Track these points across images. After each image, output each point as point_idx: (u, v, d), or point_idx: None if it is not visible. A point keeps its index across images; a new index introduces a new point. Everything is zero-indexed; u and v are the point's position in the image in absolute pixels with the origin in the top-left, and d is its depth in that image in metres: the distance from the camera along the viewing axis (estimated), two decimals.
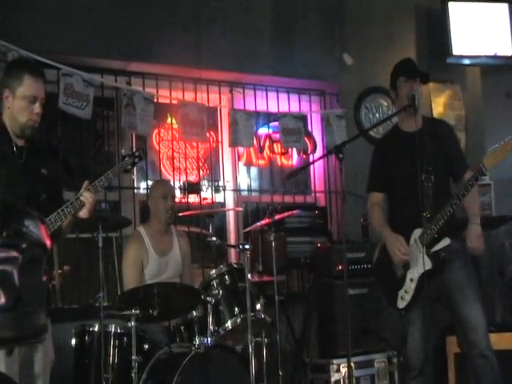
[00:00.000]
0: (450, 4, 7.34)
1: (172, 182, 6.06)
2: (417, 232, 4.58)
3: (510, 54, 7.53)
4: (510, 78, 7.46)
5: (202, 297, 4.68)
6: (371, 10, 7.21)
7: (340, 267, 5.73)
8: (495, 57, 7.54)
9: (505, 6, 7.54)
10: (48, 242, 2.26)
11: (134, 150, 4.20)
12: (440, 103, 7.48)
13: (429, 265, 4.54)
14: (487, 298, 7.00)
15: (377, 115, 7.18)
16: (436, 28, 7.41)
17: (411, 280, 4.59)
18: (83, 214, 3.84)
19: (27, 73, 3.81)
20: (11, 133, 3.81)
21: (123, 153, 4.21)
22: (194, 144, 6.48)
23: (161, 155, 6.36)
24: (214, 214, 5.65)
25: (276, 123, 6.72)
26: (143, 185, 6.14)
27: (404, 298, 4.60)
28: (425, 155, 4.63)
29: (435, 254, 4.57)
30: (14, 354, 3.35)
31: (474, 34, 7.43)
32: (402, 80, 4.76)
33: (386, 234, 4.66)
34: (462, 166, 4.81)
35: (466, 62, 7.53)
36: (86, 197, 3.83)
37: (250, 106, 6.69)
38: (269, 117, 6.84)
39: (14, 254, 2.15)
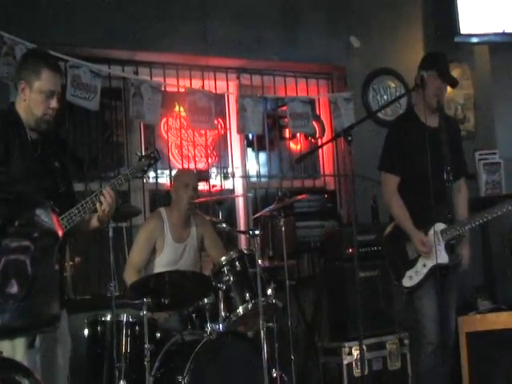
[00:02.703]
0: None
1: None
2: (439, 225, 4.69)
3: None
4: None
5: (213, 284, 4.71)
6: None
7: (350, 250, 5.77)
8: (504, 34, 7.47)
9: None
10: (60, 232, 2.31)
11: (150, 151, 4.12)
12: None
13: (445, 259, 4.69)
14: (499, 275, 7.06)
15: (385, 97, 7.15)
16: (443, 7, 7.36)
17: (424, 265, 4.68)
18: (101, 214, 3.77)
19: (45, 66, 3.74)
20: (26, 125, 3.74)
21: (139, 154, 4.12)
22: (202, 132, 6.48)
23: (169, 144, 6.37)
24: (223, 201, 5.69)
25: (284, 107, 6.72)
26: (152, 174, 6.14)
27: (412, 279, 4.70)
28: (444, 153, 4.72)
29: (454, 255, 4.72)
30: (36, 346, 3.33)
31: (481, 11, 7.37)
32: (434, 74, 4.74)
33: (410, 230, 4.72)
34: (463, 169, 5.03)
35: (474, 40, 7.47)
36: (108, 191, 3.75)
37: (258, 92, 6.69)
38: (276, 102, 6.86)
39: (27, 243, 2.21)
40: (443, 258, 4.67)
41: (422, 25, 7.42)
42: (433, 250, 4.63)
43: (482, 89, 7.62)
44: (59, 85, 3.81)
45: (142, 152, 4.13)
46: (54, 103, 3.75)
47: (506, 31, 7.49)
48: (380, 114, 6.73)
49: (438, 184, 4.60)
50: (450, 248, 4.72)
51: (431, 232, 4.67)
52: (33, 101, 3.72)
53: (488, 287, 6.84)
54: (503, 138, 7.52)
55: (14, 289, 2.19)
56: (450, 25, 7.30)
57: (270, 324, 4.86)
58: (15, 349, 3.20)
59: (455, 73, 7.47)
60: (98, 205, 3.70)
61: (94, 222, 3.85)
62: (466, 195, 5.01)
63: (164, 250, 5.27)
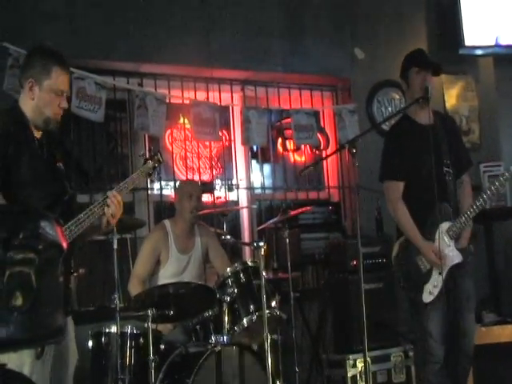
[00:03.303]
0: None
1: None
2: (444, 226, 4.65)
3: None
4: None
5: (218, 295, 4.69)
6: (382, 4, 7.20)
7: (355, 262, 5.72)
8: (508, 46, 7.48)
9: None
10: (64, 244, 2.30)
11: (153, 153, 4.08)
12: (453, 95, 7.46)
13: (459, 258, 4.66)
14: (504, 288, 7.05)
15: (389, 109, 7.16)
16: (447, 19, 7.37)
17: (439, 273, 4.63)
18: (109, 218, 3.73)
19: (56, 64, 3.63)
20: (31, 124, 3.63)
21: (142, 156, 4.09)
22: (207, 143, 6.50)
23: (174, 155, 6.39)
24: (227, 213, 5.68)
25: (289, 119, 6.72)
26: (157, 186, 6.17)
27: (432, 293, 4.62)
28: (443, 149, 4.73)
29: (463, 248, 4.69)
30: (46, 356, 3.32)
31: (485, 23, 7.39)
32: (414, 71, 4.79)
33: (420, 243, 4.66)
34: (467, 161, 4.98)
35: (479, 52, 7.49)
36: (115, 195, 3.71)
37: (262, 104, 6.71)
38: (281, 113, 6.87)
39: (31, 255, 2.20)
40: (455, 257, 4.66)
41: (427, 37, 7.43)
42: (443, 255, 4.59)
43: (487, 101, 7.62)
44: (69, 84, 3.73)
45: (146, 155, 4.09)
46: (64, 103, 3.67)
47: (510, 44, 7.49)
48: (384, 126, 6.70)
49: (439, 182, 4.59)
50: (456, 244, 4.69)
51: (437, 235, 4.62)
52: (42, 100, 3.61)
53: (493, 300, 6.82)
54: (508, 151, 7.52)
55: (18, 301, 2.19)
56: (455, 37, 7.33)
57: (275, 336, 4.86)
58: (23, 360, 3.18)
59: (459, 85, 7.51)
60: (106, 208, 3.66)
61: (102, 227, 3.80)
62: (470, 189, 4.95)
63: (168, 261, 5.27)
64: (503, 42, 7.49)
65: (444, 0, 7.44)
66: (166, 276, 5.23)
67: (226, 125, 6.59)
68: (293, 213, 5.41)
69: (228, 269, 4.93)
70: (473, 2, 7.40)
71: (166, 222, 5.38)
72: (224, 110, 6.52)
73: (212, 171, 6.55)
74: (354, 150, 4.22)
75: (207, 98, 6.41)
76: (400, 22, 7.29)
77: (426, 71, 4.79)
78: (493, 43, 7.47)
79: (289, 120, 6.72)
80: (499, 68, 7.65)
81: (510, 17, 7.54)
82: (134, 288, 5.07)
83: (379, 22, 7.18)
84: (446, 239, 4.67)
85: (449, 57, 7.13)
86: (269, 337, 4.43)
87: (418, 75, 4.78)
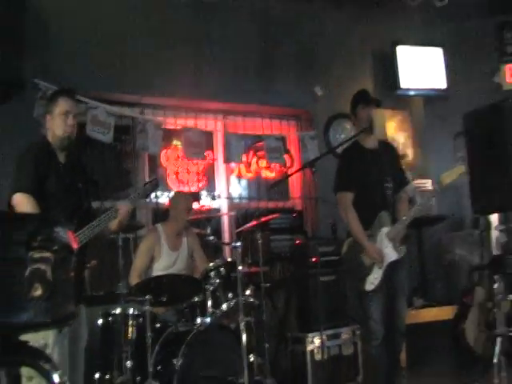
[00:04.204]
0: (398, 48, 7.39)
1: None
2: (384, 230, 4.64)
3: (444, 87, 7.60)
4: (445, 105, 7.50)
5: (203, 285, 4.68)
6: (338, 52, 7.18)
7: (314, 259, 5.66)
8: (434, 89, 7.59)
9: (440, 50, 7.64)
10: (75, 245, 2.27)
11: (152, 179, 4.19)
12: (392, 126, 7.48)
13: (395, 256, 4.64)
14: (430, 279, 7.05)
15: (342, 136, 7.13)
16: (388, 66, 7.41)
17: (379, 268, 4.61)
18: (117, 222, 3.84)
19: (60, 94, 3.79)
20: (56, 150, 3.73)
21: (143, 182, 4.22)
22: (195, 161, 6.44)
23: (168, 170, 6.33)
24: (211, 218, 5.64)
25: (261, 143, 6.69)
26: (153, 195, 6.06)
27: (373, 283, 4.60)
28: (385, 169, 4.71)
29: (398, 248, 4.67)
30: (64, 332, 3.44)
31: (417, 71, 7.48)
32: (360, 107, 4.81)
33: (365, 244, 4.62)
34: (404, 180, 4.97)
35: (412, 93, 7.56)
36: (121, 206, 3.84)
37: (240, 130, 6.66)
38: (255, 138, 6.80)
39: (47, 254, 2.15)
40: (393, 255, 4.63)
41: (372, 80, 7.42)
42: (383, 253, 4.60)
43: (418, 131, 7.63)
44: (74, 107, 3.80)
45: (146, 180, 4.20)
46: (70, 120, 3.73)
47: (435, 87, 7.60)
48: (338, 150, 6.68)
49: (381, 195, 4.65)
50: (394, 245, 4.66)
51: (379, 238, 4.62)
52: (55, 124, 3.72)
53: (422, 288, 6.81)
54: (435, 170, 7.49)
55: (37, 292, 2.14)
56: (393, 80, 7.37)
57: (249, 318, 4.78)
58: (48, 333, 3.32)
59: (397, 119, 7.51)
60: (118, 215, 3.80)
61: (114, 229, 3.94)
62: (406, 201, 4.94)
63: (161, 256, 5.22)
64: (431, 85, 7.57)
65: (385, 51, 7.44)
66: (159, 269, 5.19)
67: (210, 146, 6.53)
68: (264, 219, 5.35)
69: (211, 263, 4.89)
70: (407, 53, 7.46)
71: (159, 226, 5.35)
72: (209, 135, 6.46)
73: (199, 184, 6.47)
74: (314, 169, 4.26)
75: (196, 125, 6.34)
76: (351, 68, 7.27)
77: (370, 107, 4.81)
78: (423, 86, 7.54)
79: (261, 143, 6.66)
80: (428, 105, 7.69)
81: (435, 66, 7.61)
82: (134, 279, 5.04)
83: (335, 67, 7.15)
84: (386, 241, 4.64)
85: (389, 96, 7.16)
86: (244, 319, 4.40)
87: (364, 110, 4.80)
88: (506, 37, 7.76)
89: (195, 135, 6.16)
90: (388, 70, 7.42)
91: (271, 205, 6.84)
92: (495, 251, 6.61)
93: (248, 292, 4.79)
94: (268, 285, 5.53)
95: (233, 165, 6.72)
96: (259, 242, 5.28)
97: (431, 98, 7.67)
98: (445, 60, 7.65)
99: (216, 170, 6.67)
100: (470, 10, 7.65)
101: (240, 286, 4.44)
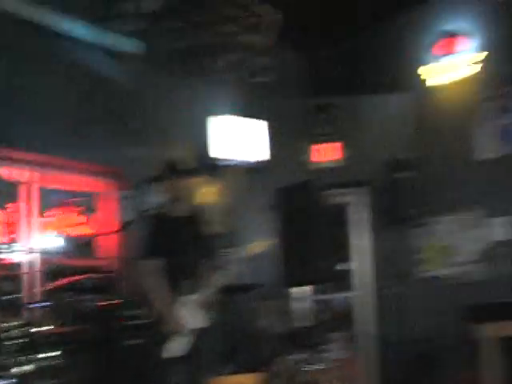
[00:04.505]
0: (214, 118, 7.71)
1: None
2: (191, 297, 4.69)
3: (262, 160, 8.01)
4: (260, 178, 7.78)
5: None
6: (155, 115, 7.26)
7: (120, 322, 5.51)
8: (251, 161, 7.94)
9: (265, 123, 8.08)
10: None
11: None
12: (205, 194, 7.55)
13: (201, 323, 4.72)
14: (238, 346, 7.11)
15: (156, 199, 7.06)
16: (203, 135, 7.65)
17: (184, 335, 4.64)
18: None
19: None
20: None
21: None
22: None
23: None
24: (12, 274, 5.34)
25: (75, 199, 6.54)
26: None
27: (177, 350, 4.62)
28: (193, 235, 4.80)
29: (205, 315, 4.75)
30: None
31: (233, 141, 7.87)
32: (172, 175, 4.93)
33: (167, 312, 4.60)
34: (213, 247, 5.03)
35: (225, 163, 7.76)
36: None
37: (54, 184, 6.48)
38: (68, 193, 6.66)
39: None
40: (198, 322, 4.69)
41: (189, 145, 7.46)
42: (188, 321, 4.62)
43: (231, 200, 7.65)
44: None
45: None
46: None
47: (252, 159, 8.00)
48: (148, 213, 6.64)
49: (188, 262, 4.69)
50: (200, 311, 4.72)
51: (185, 305, 4.65)
52: None
53: (230, 355, 6.79)
54: (245, 239, 7.59)
55: None
56: (207, 149, 7.61)
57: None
58: None
59: (210, 186, 7.60)
60: None
61: None
62: (213, 270, 4.93)
63: None
64: (248, 157, 7.94)
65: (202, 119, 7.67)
66: None
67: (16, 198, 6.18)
68: (73, 278, 5.17)
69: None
70: (220, 126, 7.79)
71: None
72: (15, 185, 6.17)
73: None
74: (128, 229, 4.20)
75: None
76: (168, 132, 7.28)
77: (182, 176, 4.92)
78: (238, 157, 7.86)
79: (75, 199, 6.55)
80: (244, 176, 7.82)
81: (255, 138, 8.04)
82: None
83: (152, 130, 7.15)
84: (192, 307, 4.69)
85: (203, 163, 7.18)
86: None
87: (177, 179, 4.91)
88: (319, 118, 8.35)
89: None
90: (204, 138, 7.64)
91: (81, 262, 6.57)
92: (302, 322, 6.80)
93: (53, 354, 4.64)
94: (74, 346, 5.29)
95: (42, 219, 6.43)
96: (66, 301, 5.08)
97: (249, 169, 7.94)
98: (265, 133, 8.06)
99: (26, 224, 6.28)
100: (293, 88, 8.10)
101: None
